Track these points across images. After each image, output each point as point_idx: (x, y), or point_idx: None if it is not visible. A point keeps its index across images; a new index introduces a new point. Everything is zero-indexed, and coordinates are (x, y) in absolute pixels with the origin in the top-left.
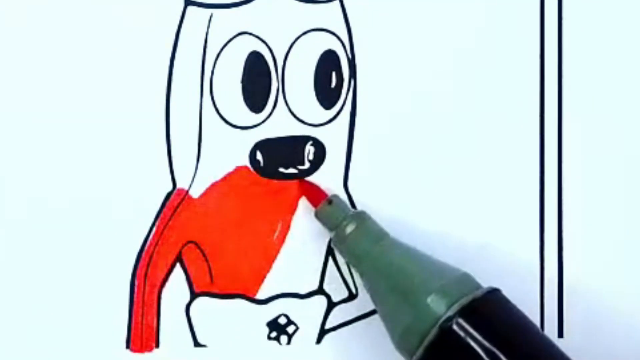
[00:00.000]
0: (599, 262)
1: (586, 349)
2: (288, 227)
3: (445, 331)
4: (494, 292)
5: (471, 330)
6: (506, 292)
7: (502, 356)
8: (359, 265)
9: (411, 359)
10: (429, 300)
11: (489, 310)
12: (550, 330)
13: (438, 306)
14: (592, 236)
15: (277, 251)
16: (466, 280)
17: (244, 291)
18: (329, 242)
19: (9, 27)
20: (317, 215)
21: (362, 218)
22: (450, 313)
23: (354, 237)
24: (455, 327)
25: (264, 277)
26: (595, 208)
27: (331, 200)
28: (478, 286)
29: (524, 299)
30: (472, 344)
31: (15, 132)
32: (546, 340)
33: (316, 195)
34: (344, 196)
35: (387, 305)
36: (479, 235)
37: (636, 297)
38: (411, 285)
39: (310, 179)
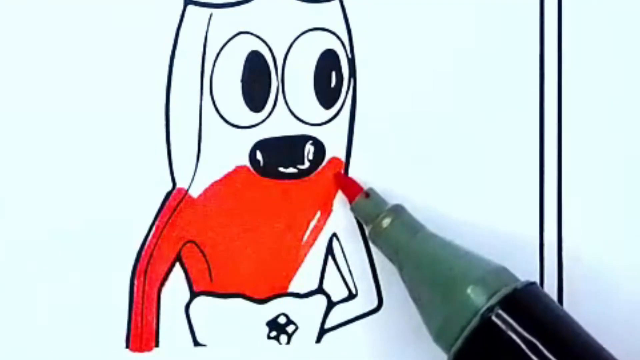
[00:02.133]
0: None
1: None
2: (288, 226)
3: (486, 321)
4: (533, 285)
5: (511, 321)
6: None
7: (541, 347)
8: (396, 258)
9: (450, 351)
10: (469, 290)
11: (529, 302)
12: None
13: (478, 297)
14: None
15: (277, 251)
16: (505, 272)
17: (244, 291)
18: (329, 241)
19: (9, 27)
20: (353, 209)
21: (398, 211)
22: (491, 303)
23: (391, 230)
24: (495, 318)
25: (264, 276)
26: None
27: (368, 194)
28: (516, 279)
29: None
30: (512, 335)
31: (17, 132)
32: (583, 332)
33: (352, 189)
34: (344, 198)
35: (425, 297)
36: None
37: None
38: (450, 277)
39: (309, 179)
